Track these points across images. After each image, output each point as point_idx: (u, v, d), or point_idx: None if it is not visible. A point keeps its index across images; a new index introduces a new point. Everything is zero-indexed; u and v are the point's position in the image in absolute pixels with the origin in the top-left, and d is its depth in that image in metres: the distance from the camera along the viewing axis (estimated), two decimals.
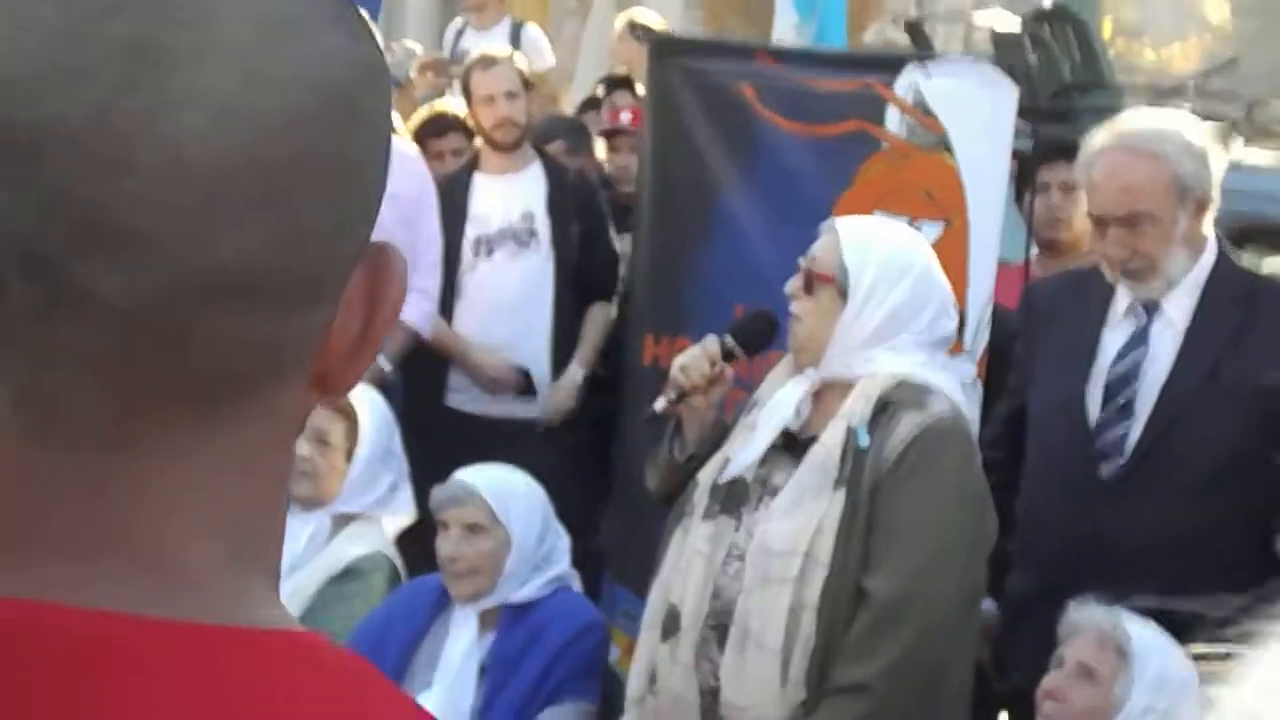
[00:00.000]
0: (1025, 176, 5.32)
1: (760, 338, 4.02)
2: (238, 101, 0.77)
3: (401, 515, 4.49)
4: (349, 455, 4.40)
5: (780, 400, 3.71)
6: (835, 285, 3.66)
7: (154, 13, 0.77)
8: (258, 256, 0.79)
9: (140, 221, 0.76)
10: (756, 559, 3.54)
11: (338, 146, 0.81)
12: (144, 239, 0.76)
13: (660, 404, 3.91)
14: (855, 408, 3.58)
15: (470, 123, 6.18)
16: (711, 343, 3.93)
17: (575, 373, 5.99)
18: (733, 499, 3.67)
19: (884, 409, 3.56)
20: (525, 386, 5.99)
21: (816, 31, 6.48)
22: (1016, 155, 5.03)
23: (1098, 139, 4.00)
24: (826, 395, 3.67)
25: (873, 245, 3.72)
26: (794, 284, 3.73)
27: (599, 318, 6.09)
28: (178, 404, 0.81)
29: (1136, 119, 4.12)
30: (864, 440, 3.52)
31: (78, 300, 0.77)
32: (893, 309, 3.65)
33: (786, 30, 6.44)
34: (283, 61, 0.79)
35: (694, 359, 3.89)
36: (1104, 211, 3.94)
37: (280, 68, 0.79)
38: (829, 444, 3.56)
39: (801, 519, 3.51)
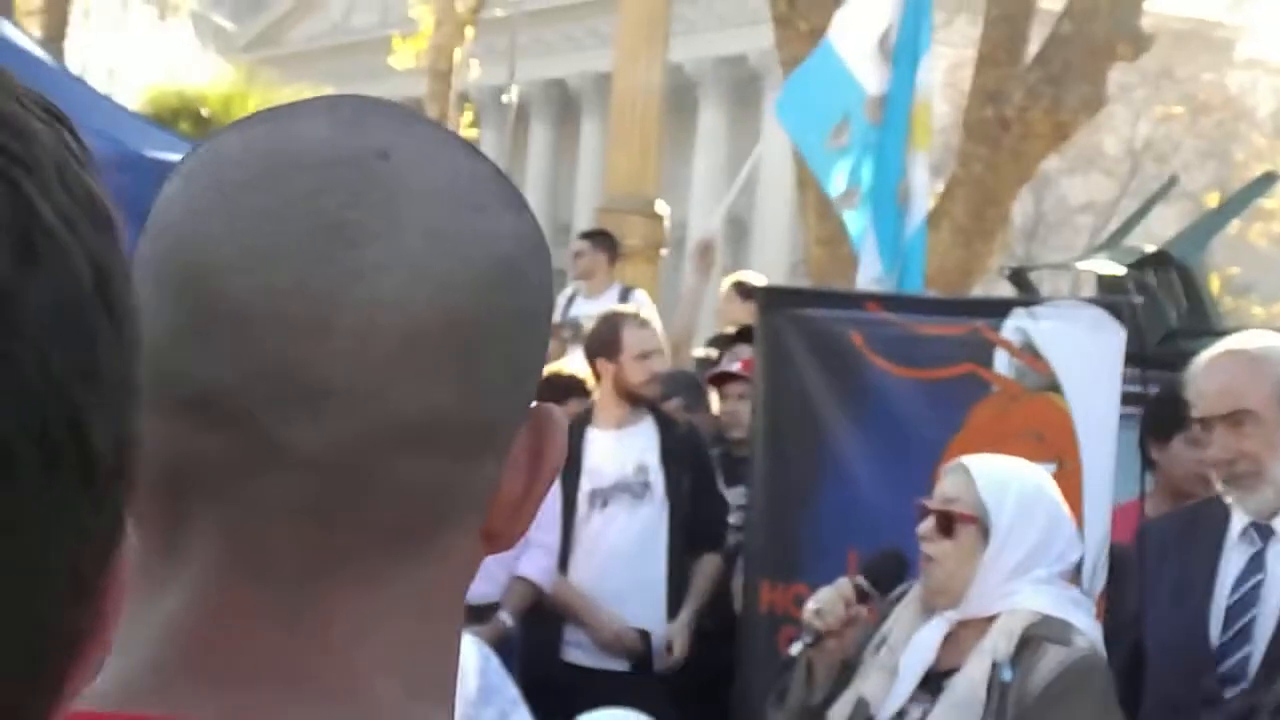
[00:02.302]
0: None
1: (893, 577, 4.03)
2: (425, 267, 0.86)
3: None
4: None
5: (920, 642, 3.73)
6: (977, 525, 3.71)
7: (350, 194, 0.86)
8: (442, 408, 0.87)
9: (336, 378, 0.84)
10: None
11: (512, 307, 0.90)
12: (340, 394, 0.85)
13: (796, 647, 3.92)
14: (999, 644, 3.60)
15: (589, 382, 6.28)
16: (845, 585, 3.96)
17: (685, 618, 6.03)
18: None
19: (1026, 643, 3.59)
20: (643, 648, 6.01)
21: (898, 282, 6.63)
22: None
23: (1204, 355, 4.07)
24: (960, 630, 3.71)
25: (1009, 482, 3.78)
26: (928, 527, 3.75)
27: (708, 568, 6.14)
28: (364, 546, 0.88)
29: (1244, 335, 4.19)
30: (1008, 675, 3.55)
31: (278, 453, 0.85)
32: (1031, 545, 3.71)
33: (868, 283, 6.57)
34: (464, 233, 0.88)
35: (829, 602, 3.92)
36: (1208, 413, 3.98)
37: (462, 238, 0.88)
38: (974, 679, 3.59)
39: None
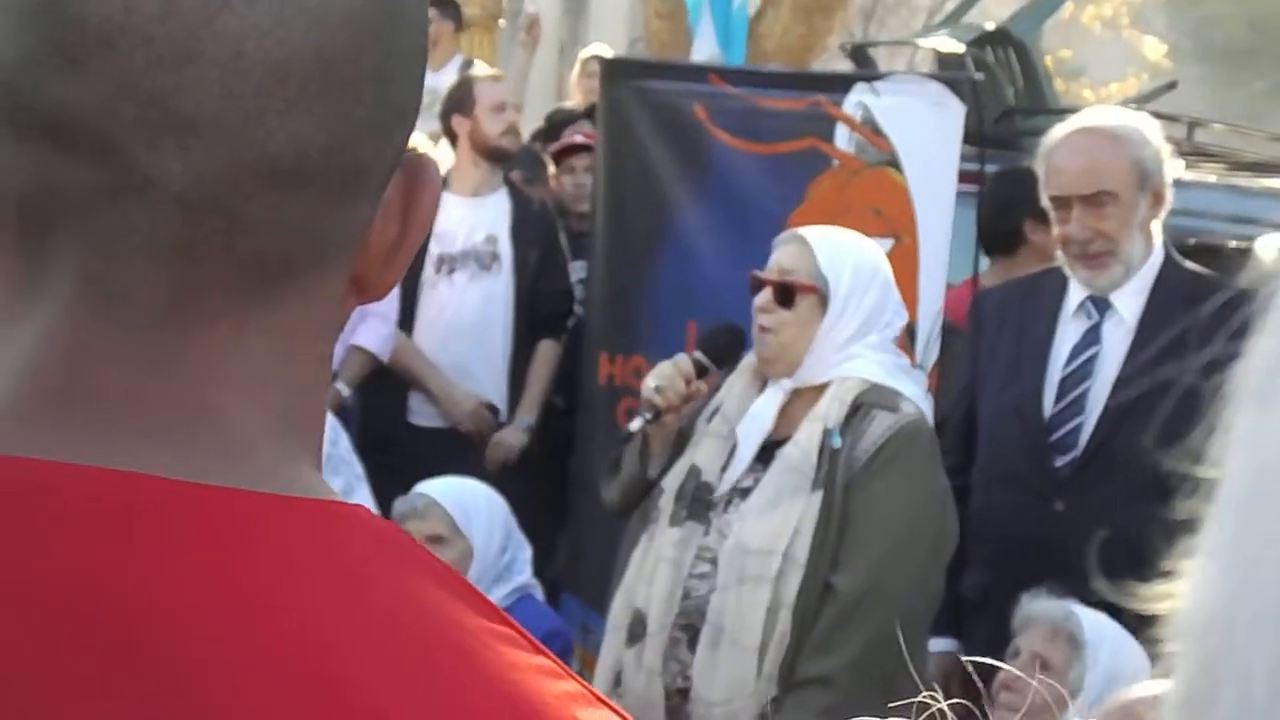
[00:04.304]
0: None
1: (730, 350, 4.03)
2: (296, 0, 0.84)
3: None
4: None
5: (757, 411, 3.78)
6: (816, 294, 3.74)
7: None
8: (310, 145, 0.85)
9: (202, 109, 0.82)
10: (733, 558, 3.61)
11: (386, 46, 0.87)
12: (206, 126, 0.82)
13: (636, 424, 3.92)
14: (830, 411, 3.67)
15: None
16: (684, 360, 3.95)
17: (521, 422, 6.03)
18: (700, 503, 3.74)
19: (855, 410, 3.66)
20: (490, 422, 6.00)
21: (727, 56, 6.69)
22: None
23: (1059, 129, 4.09)
24: (793, 400, 3.76)
25: (845, 252, 3.83)
26: (765, 298, 3.77)
27: (547, 356, 6.10)
28: (231, 286, 0.86)
29: (1098, 112, 4.22)
30: (837, 442, 3.62)
31: (142, 185, 0.83)
32: (866, 312, 3.77)
33: (704, 58, 6.63)
34: None
35: (669, 378, 3.90)
36: (1067, 191, 4.02)
37: None
38: (804, 446, 3.65)
39: (779, 519, 3.59)
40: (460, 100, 6.10)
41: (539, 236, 6.09)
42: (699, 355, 3.99)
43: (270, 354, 0.89)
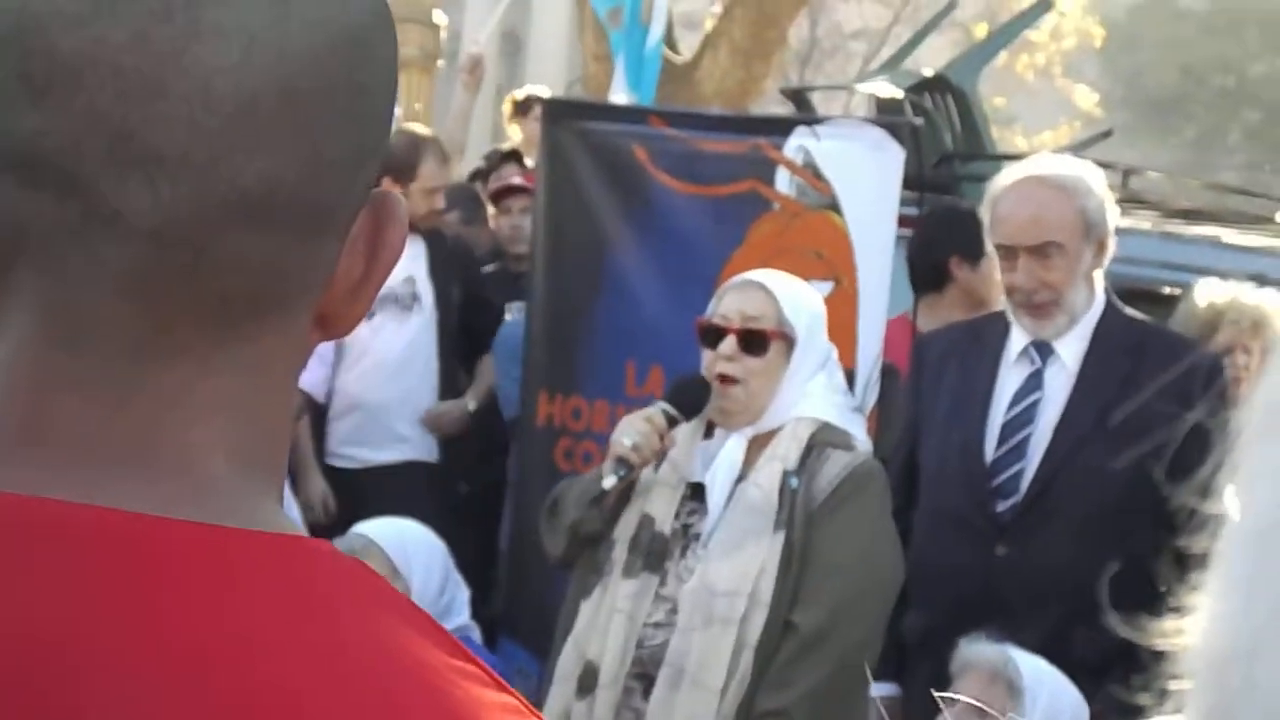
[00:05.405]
0: None
1: (700, 402, 3.88)
2: (266, 35, 0.83)
3: None
4: None
5: (726, 459, 3.75)
6: (784, 340, 3.74)
7: None
8: (278, 182, 0.84)
9: (170, 144, 0.81)
10: (697, 600, 3.58)
11: (355, 83, 0.87)
12: (174, 161, 0.82)
13: (610, 481, 3.78)
14: (787, 451, 3.67)
15: None
16: (657, 415, 3.83)
17: (466, 402, 6.02)
18: (654, 554, 3.71)
19: (809, 450, 3.67)
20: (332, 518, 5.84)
21: (639, 98, 6.78)
22: None
23: (1005, 175, 4.10)
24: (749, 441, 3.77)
25: (801, 296, 3.83)
26: (731, 346, 3.73)
27: (490, 368, 6.13)
28: (196, 320, 0.86)
29: (1044, 160, 4.22)
30: (795, 483, 3.62)
31: (109, 219, 0.82)
32: (819, 354, 3.78)
33: (619, 100, 6.76)
34: (307, 2, 0.85)
35: (645, 436, 3.79)
36: (1014, 241, 4.01)
37: (305, 7, 0.85)
38: (765, 487, 3.65)
39: (743, 561, 3.58)
40: (400, 164, 5.94)
41: (458, 270, 6.09)
42: (668, 408, 3.87)
43: (234, 389, 0.88)
